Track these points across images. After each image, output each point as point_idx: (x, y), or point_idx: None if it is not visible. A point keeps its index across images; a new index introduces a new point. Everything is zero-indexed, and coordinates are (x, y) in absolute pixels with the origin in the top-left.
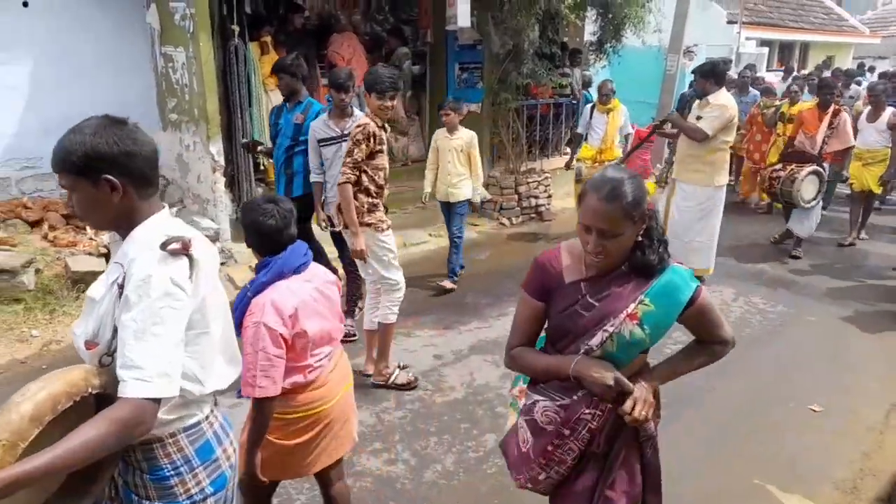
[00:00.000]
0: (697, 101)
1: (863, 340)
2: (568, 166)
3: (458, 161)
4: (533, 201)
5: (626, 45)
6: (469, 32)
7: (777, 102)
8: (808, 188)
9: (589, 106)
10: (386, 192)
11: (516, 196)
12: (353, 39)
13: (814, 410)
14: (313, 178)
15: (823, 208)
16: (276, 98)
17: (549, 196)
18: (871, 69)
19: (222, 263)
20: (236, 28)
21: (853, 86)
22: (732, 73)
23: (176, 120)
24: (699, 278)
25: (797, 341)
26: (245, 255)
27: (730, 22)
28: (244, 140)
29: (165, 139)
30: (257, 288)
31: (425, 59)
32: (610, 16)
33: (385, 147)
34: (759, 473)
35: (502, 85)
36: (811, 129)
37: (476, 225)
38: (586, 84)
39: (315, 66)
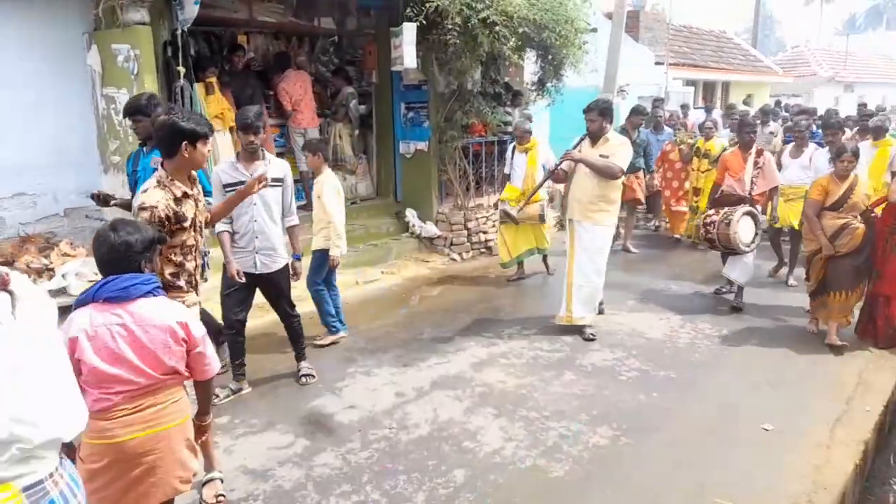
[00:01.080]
0: (586, 140)
1: (801, 361)
2: (496, 206)
3: (317, 208)
4: (482, 236)
5: (567, 85)
6: (414, 73)
7: (691, 140)
8: (745, 230)
9: (511, 146)
10: (192, 266)
11: (465, 231)
12: (304, 78)
13: (765, 430)
14: (219, 227)
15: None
16: (224, 139)
17: (498, 231)
18: (778, 105)
19: None
20: (182, 69)
21: (771, 122)
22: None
23: (118, 162)
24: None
25: (744, 364)
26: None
27: (657, 63)
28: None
29: (108, 182)
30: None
31: (371, 98)
32: (550, 57)
33: (190, 220)
34: (718, 492)
35: (448, 123)
36: (736, 172)
37: (427, 261)
38: None
39: (262, 106)
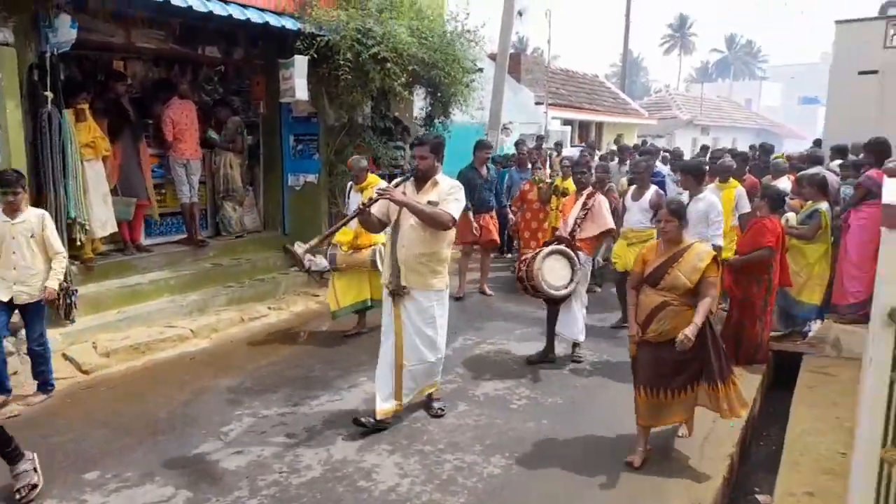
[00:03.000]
0: (411, 181)
1: None
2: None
3: (25, 249)
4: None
5: (454, 121)
6: (304, 105)
7: (548, 179)
8: (551, 269)
9: (349, 185)
10: None
11: None
12: (190, 107)
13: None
14: None
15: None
16: (95, 168)
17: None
18: (644, 144)
19: None
20: (49, 94)
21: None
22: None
23: None
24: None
25: (625, 387)
26: (57, 344)
27: (538, 103)
28: None
29: None
30: None
31: (258, 129)
32: (438, 94)
33: None
34: None
35: (339, 157)
36: (568, 212)
37: (316, 295)
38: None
39: (141, 135)
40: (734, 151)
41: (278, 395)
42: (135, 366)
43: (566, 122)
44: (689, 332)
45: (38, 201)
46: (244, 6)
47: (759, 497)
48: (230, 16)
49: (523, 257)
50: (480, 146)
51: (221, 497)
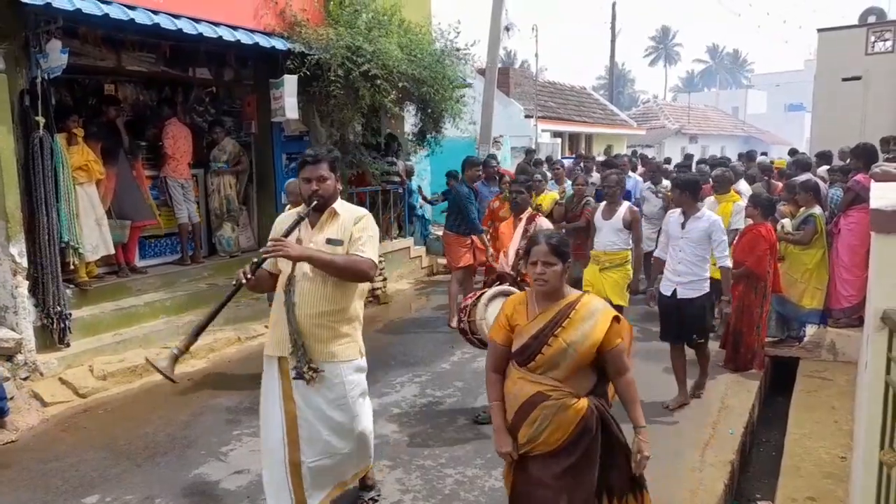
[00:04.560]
0: (304, 211)
1: (672, 391)
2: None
3: None
4: (369, 285)
5: (446, 136)
6: (295, 124)
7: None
8: (494, 316)
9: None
10: None
11: None
12: (186, 130)
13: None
14: None
15: None
16: (88, 192)
17: (385, 279)
18: (634, 155)
19: (26, 378)
20: (41, 119)
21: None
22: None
23: None
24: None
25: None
26: (53, 367)
27: (527, 116)
28: None
29: None
30: None
31: (251, 149)
32: (429, 110)
33: None
34: None
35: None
36: (506, 243)
37: None
38: (409, 173)
39: (136, 156)
40: (720, 160)
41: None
42: (132, 388)
43: (556, 134)
44: (644, 447)
45: (30, 225)
46: (234, 28)
47: (761, 503)
48: (220, 37)
49: (463, 304)
50: (470, 164)
51: None
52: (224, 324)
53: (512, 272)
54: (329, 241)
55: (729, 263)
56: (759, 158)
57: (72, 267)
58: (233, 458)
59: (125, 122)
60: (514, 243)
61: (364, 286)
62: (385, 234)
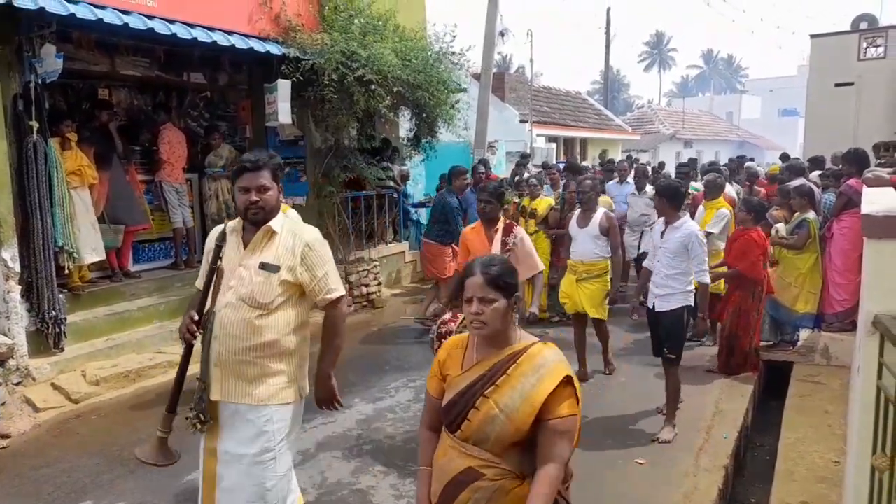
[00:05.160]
0: (235, 234)
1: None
2: None
3: None
4: (364, 290)
5: (441, 140)
6: (290, 129)
7: (516, 199)
8: None
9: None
10: None
11: (347, 285)
12: (181, 135)
13: (639, 463)
14: None
15: None
16: (81, 197)
17: (380, 284)
18: (629, 159)
19: (18, 383)
20: (35, 124)
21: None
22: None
23: None
24: None
25: (611, 403)
26: (45, 373)
27: (522, 121)
28: None
29: None
30: None
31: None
32: (424, 115)
33: None
34: None
35: (326, 178)
36: (477, 252)
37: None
38: (404, 178)
39: (130, 161)
40: (713, 167)
41: None
42: (125, 393)
43: (551, 138)
44: None
45: (24, 230)
46: (228, 33)
47: None
48: (215, 42)
49: (444, 328)
50: (457, 173)
51: None
52: None
53: None
54: (263, 267)
55: (706, 280)
56: (747, 164)
57: (66, 272)
58: None
59: (119, 127)
60: None
61: (305, 316)
62: (380, 239)
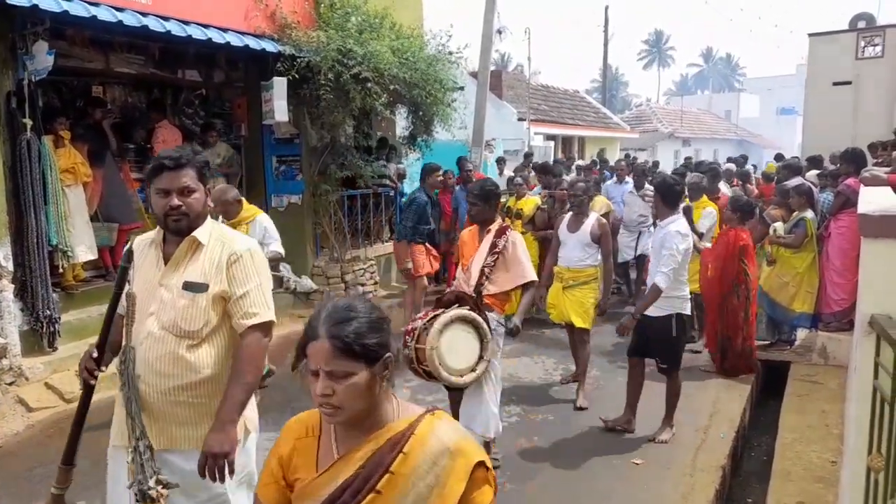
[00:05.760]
0: (153, 247)
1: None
2: None
3: None
4: (360, 289)
5: (437, 139)
6: (286, 126)
7: (502, 199)
8: (451, 347)
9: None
10: None
11: (343, 284)
12: (177, 133)
13: (636, 464)
14: None
15: None
16: (75, 194)
17: (376, 283)
18: (627, 157)
19: (11, 383)
20: (28, 122)
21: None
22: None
23: None
24: None
25: (608, 403)
26: (39, 372)
27: (520, 119)
28: None
29: None
30: None
31: (241, 151)
32: (420, 113)
33: None
34: None
35: (322, 177)
36: (468, 257)
37: (303, 317)
38: (401, 176)
39: (123, 159)
40: (710, 165)
41: (265, 419)
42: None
43: (549, 137)
44: None
45: (18, 228)
46: (223, 30)
47: None
48: (209, 39)
49: (411, 325)
50: (429, 170)
51: None
52: None
53: (473, 293)
54: (187, 287)
55: (659, 281)
56: (726, 165)
57: (60, 270)
58: None
59: (113, 125)
60: (478, 258)
61: (268, 339)
62: (376, 238)
